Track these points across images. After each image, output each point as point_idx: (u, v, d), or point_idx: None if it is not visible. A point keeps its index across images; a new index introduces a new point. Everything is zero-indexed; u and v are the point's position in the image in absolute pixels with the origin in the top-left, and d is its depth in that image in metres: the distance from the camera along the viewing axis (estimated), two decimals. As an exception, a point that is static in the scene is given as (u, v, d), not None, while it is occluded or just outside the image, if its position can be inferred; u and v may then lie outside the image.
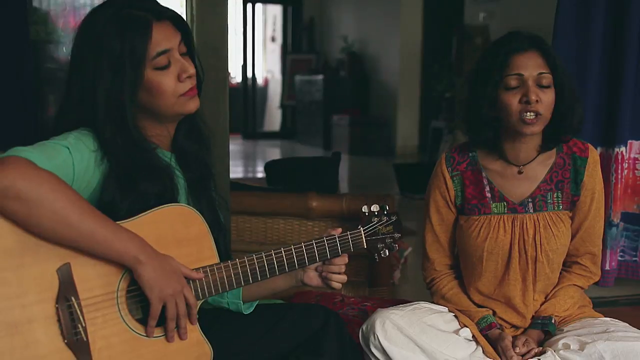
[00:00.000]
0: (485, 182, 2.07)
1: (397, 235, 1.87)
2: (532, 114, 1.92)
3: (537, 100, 1.92)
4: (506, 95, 1.95)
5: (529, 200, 2.04)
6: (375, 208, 1.85)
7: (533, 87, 1.93)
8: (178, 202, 1.66)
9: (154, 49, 1.60)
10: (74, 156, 1.50)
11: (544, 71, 1.94)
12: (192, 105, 1.68)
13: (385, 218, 1.86)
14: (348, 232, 1.80)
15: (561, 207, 2.04)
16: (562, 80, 1.96)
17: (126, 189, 1.57)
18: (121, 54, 1.57)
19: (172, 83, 1.63)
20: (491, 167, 2.08)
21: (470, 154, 2.10)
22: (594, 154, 2.07)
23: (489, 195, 2.06)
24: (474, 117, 2.03)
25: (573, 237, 2.09)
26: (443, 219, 2.14)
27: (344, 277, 1.84)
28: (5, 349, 1.39)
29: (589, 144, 2.09)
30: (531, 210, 2.03)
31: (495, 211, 2.05)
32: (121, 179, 1.57)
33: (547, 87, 1.94)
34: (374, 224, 1.84)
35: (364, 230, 1.83)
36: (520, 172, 2.05)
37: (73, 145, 1.51)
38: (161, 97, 1.63)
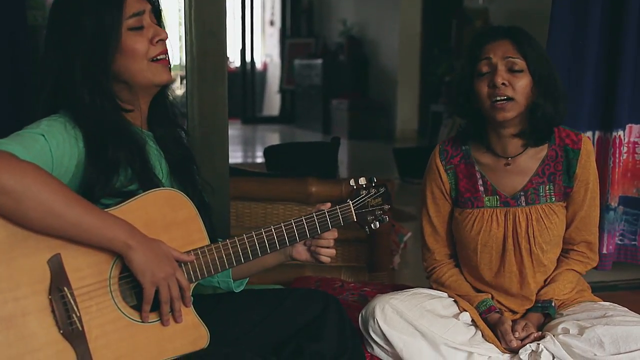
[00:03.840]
0: (478, 175, 2.08)
1: (386, 206, 1.86)
2: (501, 97, 1.93)
3: (504, 84, 1.93)
4: (478, 82, 1.98)
5: (521, 193, 2.04)
6: (362, 181, 1.84)
7: (501, 71, 1.94)
8: (154, 175, 1.66)
9: (129, 10, 1.63)
10: (50, 142, 1.50)
11: (512, 56, 1.95)
12: (165, 75, 1.69)
13: (373, 190, 1.84)
14: (337, 207, 1.79)
15: (554, 199, 2.04)
16: (538, 67, 1.96)
17: (98, 158, 1.57)
18: (98, 16, 1.59)
19: (145, 45, 1.65)
20: (483, 161, 2.09)
21: (463, 147, 2.11)
22: (587, 145, 2.06)
23: (481, 188, 2.07)
24: (458, 110, 2.08)
25: (568, 226, 2.09)
26: (440, 210, 2.15)
27: (332, 251, 1.83)
28: (1, 343, 1.38)
29: (582, 135, 2.08)
30: (523, 204, 2.04)
31: (488, 204, 2.06)
32: (94, 150, 1.57)
33: (519, 71, 1.95)
34: (362, 197, 1.83)
35: (352, 204, 1.81)
36: (507, 165, 2.05)
37: (47, 132, 1.51)
38: (134, 59, 1.64)
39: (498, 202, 2.05)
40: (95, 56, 1.60)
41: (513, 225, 2.03)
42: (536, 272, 2.06)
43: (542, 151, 2.06)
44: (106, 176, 1.57)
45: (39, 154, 1.47)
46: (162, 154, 1.75)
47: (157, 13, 1.72)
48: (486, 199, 2.06)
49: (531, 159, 2.05)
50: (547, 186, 2.04)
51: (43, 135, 1.49)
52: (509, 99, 1.93)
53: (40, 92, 1.64)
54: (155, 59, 1.66)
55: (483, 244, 2.05)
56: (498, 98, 1.93)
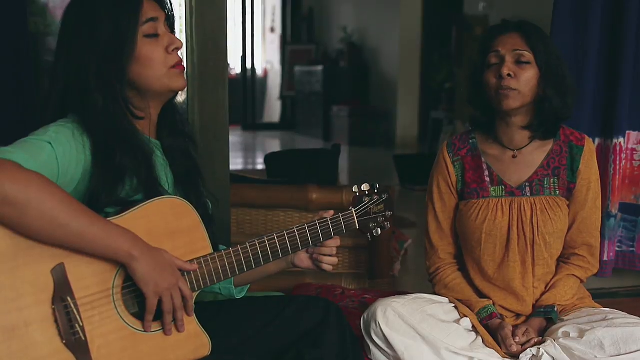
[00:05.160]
0: (485, 166, 2.11)
1: (388, 213, 1.87)
2: (506, 88, 1.98)
3: (509, 75, 1.98)
4: (487, 74, 2.03)
5: (527, 184, 2.07)
6: (365, 187, 1.84)
7: (508, 63, 1.99)
8: (160, 185, 1.66)
9: (145, 16, 1.62)
10: (56, 150, 1.49)
11: (521, 49, 2.00)
12: (181, 82, 1.69)
13: (376, 197, 1.85)
14: (340, 214, 1.79)
15: (558, 192, 2.07)
16: (546, 60, 2.01)
17: (105, 167, 1.56)
18: (114, 22, 1.59)
19: (162, 53, 1.65)
20: (490, 152, 2.12)
21: (471, 140, 2.15)
22: (590, 145, 2.10)
23: (487, 179, 2.10)
24: (471, 101, 2.13)
25: (570, 227, 2.10)
26: (446, 205, 2.16)
27: (334, 259, 1.84)
28: (4, 353, 1.38)
29: (586, 135, 2.12)
30: (528, 194, 2.06)
31: (494, 194, 2.08)
32: (101, 158, 1.56)
33: (527, 63, 2.00)
34: (365, 204, 1.83)
35: (355, 211, 1.82)
36: (514, 157, 2.08)
37: (54, 139, 1.49)
38: (151, 67, 1.63)
39: (503, 192, 2.08)
40: (110, 62, 1.59)
41: (518, 215, 2.06)
42: (536, 265, 2.07)
43: (548, 145, 2.09)
44: (112, 185, 1.56)
45: (45, 162, 1.46)
46: (168, 163, 1.75)
47: (170, 22, 1.71)
48: (492, 189, 2.09)
49: (537, 151, 2.09)
50: (552, 179, 2.07)
51: (50, 143, 1.48)
52: (513, 89, 1.98)
53: (50, 95, 1.63)
54: (172, 66, 1.66)
55: (487, 233, 2.07)
56: (503, 88, 1.98)
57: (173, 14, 1.73)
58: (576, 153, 2.08)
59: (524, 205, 2.06)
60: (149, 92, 1.66)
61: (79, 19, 1.62)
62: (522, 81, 1.98)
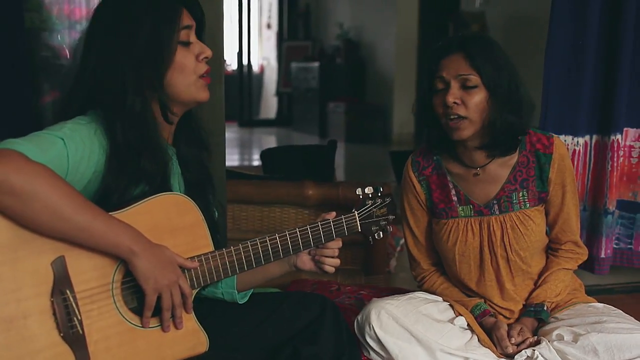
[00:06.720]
0: (451, 185, 2.07)
1: (391, 217, 1.87)
2: (454, 116, 1.90)
3: (455, 102, 1.90)
4: (434, 99, 1.96)
5: (494, 202, 2.03)
6: (369, 190, 1.84)
7: (454, 89, 1.90)
8: (171, 190, 1.66)
9: (182, 23, 1.63)
10: (68, 147, 1.48)
11: (464, 73, 1.90)
12: (206, 93, 1.70)
13: (379, 200, 1.85)
14: (342, 217, 1.80)
15: (528, 205, 2.03)
16: (495, 79, 1.90)
17: (123, 168, 1.56)
18: (154, 27, 1.59)
19: (193, 61, 1.66)
20: (454, 171, 2.08)
21: (435, 158, 2.10)
22: (560, 149, 2.02)
23: (455, 198, 2.06)
24: (424, 123, 2.04)
25: (552, 228, 2.09)
26: (419, 220, 2.15)
27: (337, 261, 1.84)
28: (1, 344, 1.38)
29: (555, 138, 2.04)
30: (497, 212, 2.03)
31: (462, 214, 2.05)
32: (119, 160, 1.56)
33: (473, 87, 1.90)
34: (368, 207, 1.84)
35: (358, 214, 1.82)
36: (476, 175, 2.04)
37: (68, 136, 1.49)
38: (182, 74, 1.64)
39: (472, 212, 2.05)
40: (149, 68, 1.59)
41: (488, 235, 2.03)
42: (515, 277, 2.06)
43: (513, 158, 2.03)
44: (125, 187, 1.56)
45: (54, 157, 1.45)
46: (181, 172, 1.75)
47: (200, 31, 1.71)
48: (460, 208, 2.06)
49: (501, 167, 2.04)
50: (520, 193, 2.02)
51: (62, 139, 1.48)
52: (463, 117, 1.91)
53: (74, 92, 1.62)
54: (201, 76, 1.66)
55: (460, 254, 2.05)
56: (451, 117, 1.91)
57: (204, 23, 1.73)
58: (544, 162, 2.01)
59: (493, 225, 2.02)
60: (175, 100, 1.66)
61: (115, 20, 1.61)
62: (471, 107, 1.90)
